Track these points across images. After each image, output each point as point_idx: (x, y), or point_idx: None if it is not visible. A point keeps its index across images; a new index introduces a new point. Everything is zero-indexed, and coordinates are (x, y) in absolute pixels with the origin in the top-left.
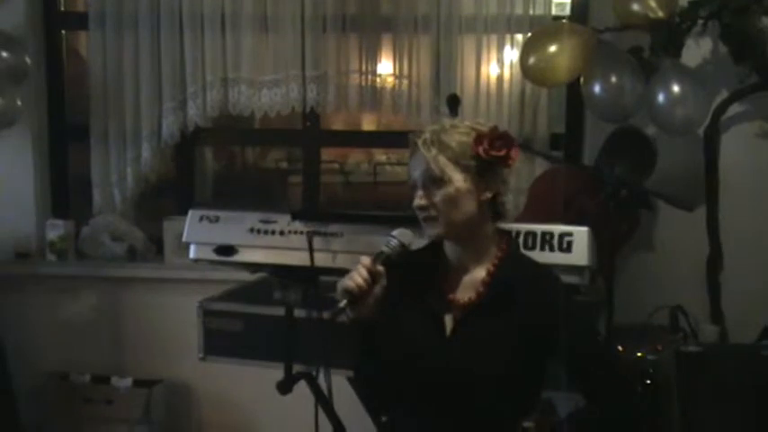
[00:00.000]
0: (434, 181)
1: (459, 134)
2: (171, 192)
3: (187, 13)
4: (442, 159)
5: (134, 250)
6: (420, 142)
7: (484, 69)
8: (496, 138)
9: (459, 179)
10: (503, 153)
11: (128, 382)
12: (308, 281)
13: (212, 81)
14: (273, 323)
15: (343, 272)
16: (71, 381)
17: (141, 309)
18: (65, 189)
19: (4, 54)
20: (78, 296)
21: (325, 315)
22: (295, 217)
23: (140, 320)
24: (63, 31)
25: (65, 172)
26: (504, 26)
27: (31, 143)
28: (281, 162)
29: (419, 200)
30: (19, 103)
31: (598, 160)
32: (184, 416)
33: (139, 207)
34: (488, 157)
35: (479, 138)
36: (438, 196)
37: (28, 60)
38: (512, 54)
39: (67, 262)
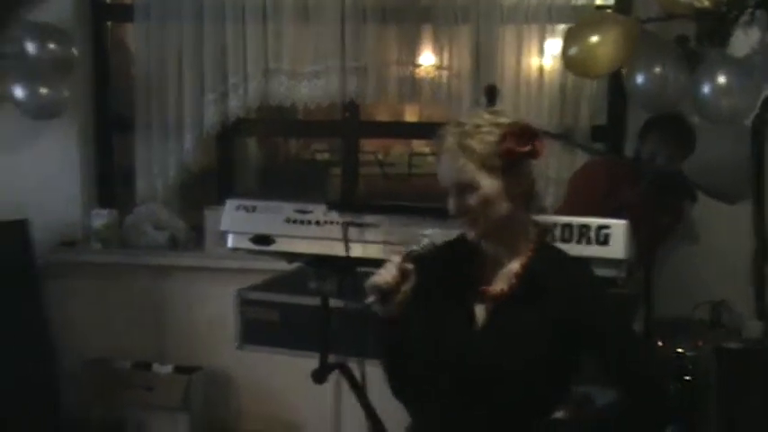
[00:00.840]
0: (465, 187)
1: (482, 134)
2: (212, 182)
3: (229, 4)
4: (470, 166)
5: (176, 239)
6: (444, 150)
7: (524, 60)
8: (520, 134)
9: (488, 183)
10: (528, 148)
11: (168, 368)
12: (344, 271)
13: (253, 72)
14: (309, 313)
15: (378, 262)
16: (113, 367)
17: (182, 297)
18: (110, 178)
19: (52, 46)
20: (121, 284)
21: (353, 308)
22: (331, 207)
23: (181, 308)
24: (108, 23)
25: (110, 162)
26: (545, 16)
27: (77, 133)
28: (322, 153)
29: (454, 208)
30: (66, 93)
31: (636, 149)
32: (223, 404)
33: (181, 197)
34: (515, 155)
35: (503, 136)
36: (472, 201)
37: (75, 52)
38: (553, 44)
39: (111, 250)
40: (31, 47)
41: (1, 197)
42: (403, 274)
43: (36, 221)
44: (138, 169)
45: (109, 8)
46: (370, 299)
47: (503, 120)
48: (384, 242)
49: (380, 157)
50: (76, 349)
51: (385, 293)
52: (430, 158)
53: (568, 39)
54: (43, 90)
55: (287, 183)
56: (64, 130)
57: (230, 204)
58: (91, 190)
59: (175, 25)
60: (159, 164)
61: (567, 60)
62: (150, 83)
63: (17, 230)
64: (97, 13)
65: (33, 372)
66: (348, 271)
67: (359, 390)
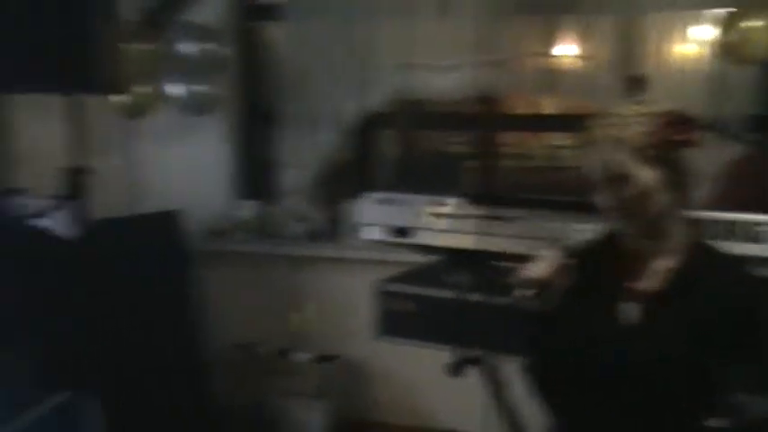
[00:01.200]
0: (618, 179)
1: (636, 124)
2: (352, 175)
3: (369, 1)
4: (623, 156)
5: (316, 230)
6: (595, 142)
7: (672, 48)
8: (677, 123)
9: (643, 174)
10: (685, 138)
11: (307, 356)
12: (481, 265)
13: (392, 67)
14: (446, 306)
15: (517, 257)
16: (255, 353)
17: (322, 287)
18: (256, 171)
19: (206, 45)
20: (264, 273)
21: (507, 302)
22: (470, 200)
23: (321, 298)
24: (257, 23)
25: (256, 155)
26: (693, 2)
27: (227, 128)
28: (460, 146)
29: (606, 201)
30: (218, 91)
31: None
32: (359, 393)
33: (322, 189)
34: (670, 145)
35: (659, 126)
36: (626, 194)
37: (226, 51)
38: (702, 31)
39: (256, 240)
40: (186, 47)
41: (155, 189)
42: (560, 270)
43: (187, 212)
44: (281, 162)
45: (258, 8)
46: (526, 293)
47: (657, 109)
48: (524, 236)
49: (518, 149)
50: (222, 335)
51: (541, 288)
52: (570, 151)
53: (725, 25)
54: (197, 87)
55: (423, 175)
56: (214, 125)
57: (368, 197)
58: (238, 182)
59: (318, 23)
60: (301, 157)
61: (723, 47)
62: (294, 79)
63: (170, 220)
64: (247, 14)
65: (183, 358)
66: (485, 265)
67: (495, 386)
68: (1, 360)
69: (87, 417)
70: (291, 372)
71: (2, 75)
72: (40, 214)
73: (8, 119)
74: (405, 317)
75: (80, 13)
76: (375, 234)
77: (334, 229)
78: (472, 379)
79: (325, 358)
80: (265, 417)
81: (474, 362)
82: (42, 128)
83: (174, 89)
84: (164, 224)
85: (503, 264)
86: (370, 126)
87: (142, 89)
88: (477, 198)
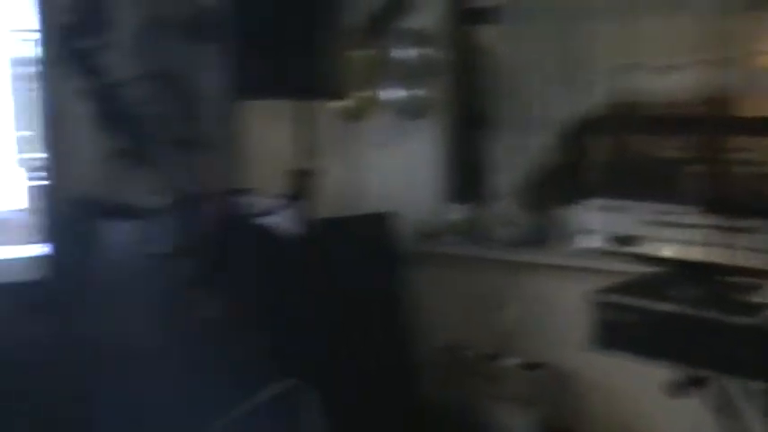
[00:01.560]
0: None
1: None
2: (565, 180)
3: (585, 1)
4: None
5: (526, 235)
6: None
7: None
8: None
9: None
10: None
11: (513, 362)
12: (711, 279)
13: (610, 67)
14: (671, 321)
15: (754, 272)
16: (462, 356)
17: (532, 292)
18: (468, 175)
19: (423, 50)
20: (473, 276)
21: (748, 322)
22: (702, 209)
23: (531, 304)
24: (473, 26)
25: (469, 158)
26: None
27: (441, 132)
28: (681, 151)
29: None
30: (434, 94)
31: None
32: (569, 403)
33: (534, 194)
34: None
35: None
36: None
37: (442, 55)
38: None
39: (466, 244)
40: (404, 52)
41: (371, 190)
42: None
43: (400, 214)
44: (494, 166)
45: (473, 12)
46: None
47: None
48: (762, 250)
49: (751, 155)
50: (430, 337)
51: None
52: None
53: None
54: (414, 92)
55: (641, 182)
56: (428, 128)
57: (588, 203)
58: (450, 185)
59: (534, 25)
60: (514, 161)
61: None
62: (509, 82)
63: (383, 222)
64: (462, 18)
65: (394, 357)
66: (715, 279)
67: (725, 410)
68: (231, 349)
69: (307, 408)
70: (499, 377)
71: (242, 83)
72: (267, 213)
73: (242, 123)
74: (624, 329)
75: (310, 23)
76: (595, 242)
77: (545, 234)
78: (696, 399)
79: (533, 365)
80: (471, 420)
81: (699, 383)
82: (270, 131)
83: (392, 94)
84: (378, 225)
85: (736, 279)
86: (586, 130)
87: (362, 94)
88: (712, 207)
